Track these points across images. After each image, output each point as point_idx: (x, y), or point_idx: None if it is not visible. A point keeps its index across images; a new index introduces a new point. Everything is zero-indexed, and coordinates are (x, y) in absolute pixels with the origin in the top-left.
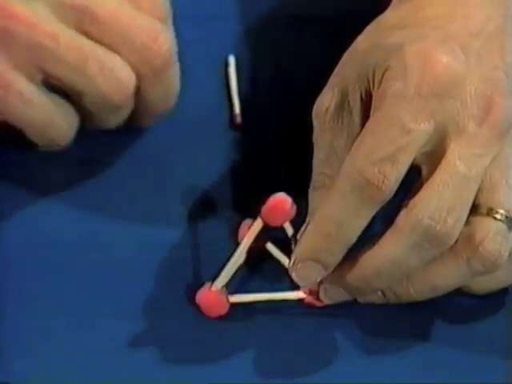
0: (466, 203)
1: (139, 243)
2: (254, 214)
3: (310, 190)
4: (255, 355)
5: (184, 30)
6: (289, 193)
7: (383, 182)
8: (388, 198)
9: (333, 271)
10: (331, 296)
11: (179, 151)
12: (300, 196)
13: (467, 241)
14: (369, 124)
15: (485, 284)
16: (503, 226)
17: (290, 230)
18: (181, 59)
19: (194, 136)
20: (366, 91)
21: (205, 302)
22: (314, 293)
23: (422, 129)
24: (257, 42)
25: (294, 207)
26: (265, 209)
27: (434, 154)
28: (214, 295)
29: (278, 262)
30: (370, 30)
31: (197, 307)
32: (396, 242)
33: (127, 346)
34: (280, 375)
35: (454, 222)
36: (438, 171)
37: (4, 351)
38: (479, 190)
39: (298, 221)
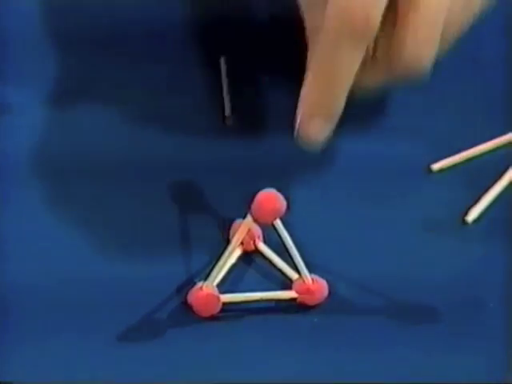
0: None
1: (130, 243)
2: (245, 214)
3: None
4: (247, 355)
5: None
6: (282, 193)
7: (368, 14)
8: (373, 33)
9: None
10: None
11: (170, 150)
12: (293, 195)
13: None
14: None
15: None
16: None
17: (280, 228)
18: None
19: (186, 135)
20: None
21: (196, 301)
22: (304, 292)
23: None
24: (250, 42)
25: (284, 204)
26: (253, 205)
27: None
28: (205, 295)
29: (269, 261)
30: None
31: (188, 307)
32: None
33: (118, 346)
34: (272, 374)
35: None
36: None
37: (4, 351)
38: None
39: (290, 219)
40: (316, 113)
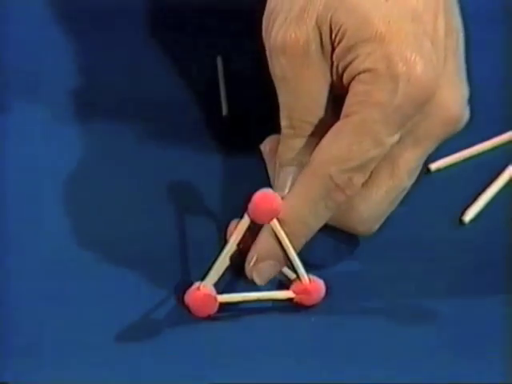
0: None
1: (127, 243)
2: (242, 214)
3: (287, 138)
4: (244, 355)
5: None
6: None
7: (350, 187)
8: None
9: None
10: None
11: (168, 150)
12: None
13: None
14: (345, 124)
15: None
16: None
17: (277, 228)
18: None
19: (183, 134)
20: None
21: (193, 301)
22: (301, 292)
23: (394, 140)
24: (246, 42)
25: (281, 203)
26: (250, 205)
27: None
28: (202, 295)
29: None
30: None
31: (186, 307)
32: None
33: (116, 346)
34: (270, 375)
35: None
36: None
37: (4, 350)
38: None
39: None
40: (269, 258)
